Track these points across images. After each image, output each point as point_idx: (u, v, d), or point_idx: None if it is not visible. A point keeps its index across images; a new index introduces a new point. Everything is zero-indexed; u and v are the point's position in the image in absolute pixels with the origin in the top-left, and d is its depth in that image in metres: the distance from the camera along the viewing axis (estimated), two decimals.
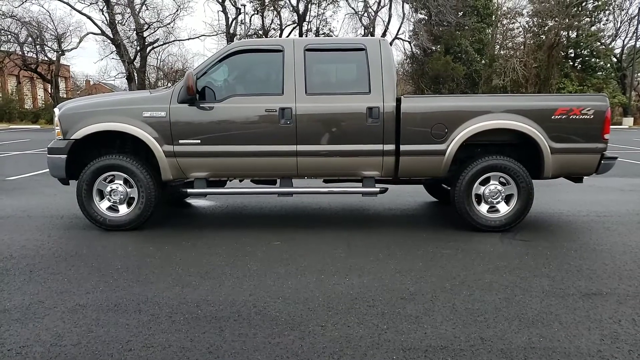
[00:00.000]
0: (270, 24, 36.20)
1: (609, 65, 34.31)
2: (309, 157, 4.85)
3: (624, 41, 34.34)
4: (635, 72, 33.24)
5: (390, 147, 4.82)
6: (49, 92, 34.72)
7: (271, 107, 4.78)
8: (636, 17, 31.90)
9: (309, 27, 35.64)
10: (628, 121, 30.18)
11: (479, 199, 4.92)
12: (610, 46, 34.39)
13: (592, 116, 4.69)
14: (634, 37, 32.18)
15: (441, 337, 2.67)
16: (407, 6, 34.15)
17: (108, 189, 4.93)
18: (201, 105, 4.80)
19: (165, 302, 3.18)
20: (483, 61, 34.98)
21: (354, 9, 34.54)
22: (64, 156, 4.83)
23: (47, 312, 3.03)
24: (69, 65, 39.27)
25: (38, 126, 29.21)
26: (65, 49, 32.32)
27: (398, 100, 4.83)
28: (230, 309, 3.07)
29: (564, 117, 4.70)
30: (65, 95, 37.02)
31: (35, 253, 4.25)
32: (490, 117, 4.75)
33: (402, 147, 4.81)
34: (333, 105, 4.84)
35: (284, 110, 4.76)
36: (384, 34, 34.23)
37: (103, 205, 4.95)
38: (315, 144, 4.82)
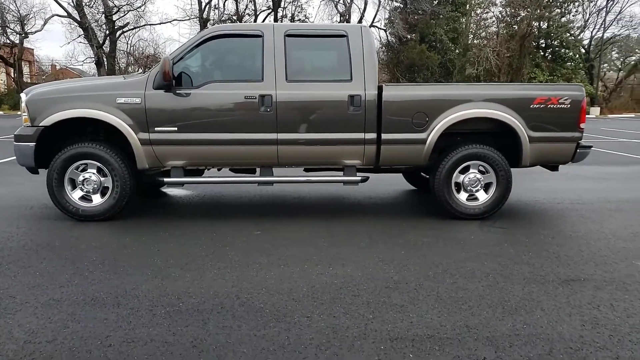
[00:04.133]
0: (245, 9, 35.56)
1: (577, 56, 35.10)
2: (289, 146, 4.78)
3: (592, 33, 35.26)
4: (602, 63, 34.14)
5: (372, 135, 4.79)
6: (12, 76, 33.28)
7: (250, 94, 4.67)
8: (604, 9, 32.73)
9: (284, 13, 35.17)
10: (595, 111, 31.06)
11: (459, 187, 4.95)
12: (579, 37, 35.21)
13: (569, 105, 4.76)
14: (602, 29, 33.06)
15: (427, 326, 2.67)
16: None
17: (80, 178, 4.74)
18: (177, 91, 4.65)
19: (144, 295, 3.08)
20: (457, 50, 35.29)
21: None
22: (33, 144, 4.62)
23: (19, 308, 2.89)
24: (32, 49, 37.67)
25: (1, 112, 28.06)
26: (28, 31, 31.02)
27: (379, 89, 4.79)
28: (213, 301, 3.00)
29: (542, 106, 4.76)
30: (29, 80, 35.61)
31: (4, 245, 4.06)
32: (470, 106, 4.76)
33: (384, 136, 4.79)
34: (314, 93, 4.77)
35: (264, 98, 4.66)
36: (359, 21, 34.09)
37: (75, 195, 4.77)
38: (296, 132, 4.75)
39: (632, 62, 37.00)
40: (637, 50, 37.96)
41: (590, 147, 4.99)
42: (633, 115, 30.86)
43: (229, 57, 5.05)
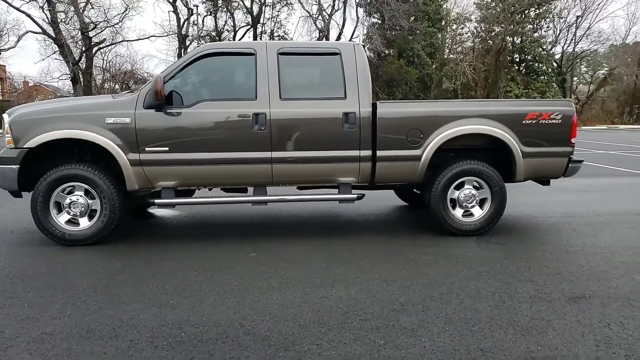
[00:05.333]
0: (224, 26, 35.58)
1: (550, 70, 36.12)
2: (284, 164, 4.70)
3: (563, 47, 36.38)
4: (574, 76, 35.20)
5: (367, 152, 4.76)
6: None
7: (244, 113, 4.60)
8: (574, 25, 33.88)
9: (263, 30, 35.26)
10: None
11: (454, 203, 4.94)
12: (551, 52, 36.28)
13: (560, 121, 4.83)
14: (572, 44, 34.19)
15: (441, 351, 2.60)
16: (360, 10, 34.57)
17: (67, 200, 4.56)
18: (169, 110, 4.55)
19: (143, 325, 2.93)
20: (434, 65, 35.90)
21: (309, 12, 34.57)
22: (16, 166, 4.43)
23: (9, 344, 2.71)
24: (5, 65, 36.77)
25: None
26: (1, 48, 30.27)
27: (374, 106, 4.77)
28: (216, 330, 2.88)
29: (534, 121, 4.80)
30: (1, 97, 34.71)
31: None
32: (464, 122, 4.78)
33: (379, 153, 4.76)
34: (309, 111, 4.72)
35: (257, 116, 4.59)
36: (338, 38, 34.45)
37: (62, 219, 4.58)
38: (291, 150, 4.68)
39: (602, 76, 38.24)
40: (604, 64, 39.29)
41: (582, 161, 5.05)
42: (605, 127, 31.77)
43: (222, 75, 4.97)
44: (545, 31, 36.02)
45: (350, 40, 35.07)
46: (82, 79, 30.35)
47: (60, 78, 33.44)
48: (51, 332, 2.85)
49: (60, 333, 2.84)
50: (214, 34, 34.65)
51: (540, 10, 34.70)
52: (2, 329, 2.89)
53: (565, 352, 2.57)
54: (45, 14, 28.43)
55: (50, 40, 29.37)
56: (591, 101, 37.57)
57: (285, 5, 35.22)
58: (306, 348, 2.66)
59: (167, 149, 4.56)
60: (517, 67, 36.41)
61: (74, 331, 2.86)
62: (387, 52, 34.35)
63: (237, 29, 35.11)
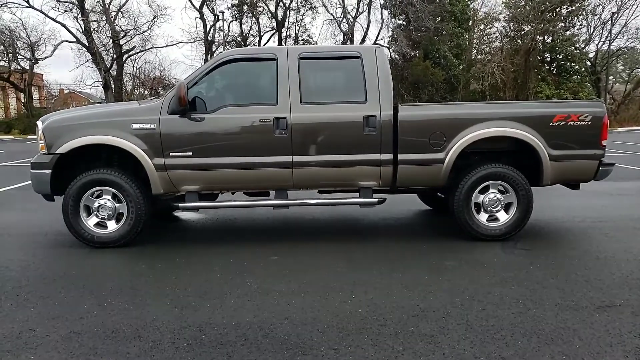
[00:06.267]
0: (249, 31, 36.00)
1: (583, 69, 35.04)
2: (305, 168, 4.73)
3: (597, 45, 35.17)
4: (609, 75, 34.04)
5: (388, 156, 4.73)
6: (22, 101, 33.73)
7: (265, 117, 4.64)
8: (609, 22, 32.79)
9: (287, 34, 35.51)
10: None
11: (478, 207, 4.85)
12: (584, 50, 35.19)
13: (589, 122, 4.68)
14: (607, 42, 33.07)
15: (461, 358, 2.56)
16: (385, 12, 34.36)
17: (96, 204, 4.71)
18: (192, 116, 4.64)
19: (165, 327, 3.00)
20: (461, 66, 35.37)
21: (333, 15, 34.54)
22: (49, 171, 4.60)
23: (39, 342, 2.82)
24: (42, 74, 38.19)
25: (11, 137, 28.34)
26: (39, 57, 31.50)
27: (395, 109, 4.75)
28: (236, 332, 2.91)
29: (562, 123, 4.68)
30: (39, 105, 36.08)
31: (21, 275, 4.01)
32: (488, 125, 4.69)
33: (400, 157, 4.73)
34: (329, 115, 4.73)
35: (278, 121, 4.63)
36: (363, 40, 34.35)
37: (91, 222, 4.73)
38: (312, 155, 4.70)
39: None
40: None
41: (613, 164, 4.88)
42: None
43: (243, 80, 5.03)
44: (578, 29, 34.97)
45: (375, 42, 34.89)
46: (113, 86, 31.27)
47: (92, 85, 34.50)
48: (79, 331, 2.95)
49: (87, 332, 2.93)
50: (239, 39, 35.10)
51: (573, 8, 33.67)
52: (34, 327, 3.01)
53: None
54: (79, 24, 29.50)
55: (84, 49, 30.39)
56: (628, 101, 36.15)
57: (309, 9, 35.40)
58: (324, 353, 2.66)
59: (191, 153, 4.65)
60: (547, 67, 35.44)
61: (99, 331, 2.95)
62: (412, 53, 34.03)
63: (262, 34, 35.47)
